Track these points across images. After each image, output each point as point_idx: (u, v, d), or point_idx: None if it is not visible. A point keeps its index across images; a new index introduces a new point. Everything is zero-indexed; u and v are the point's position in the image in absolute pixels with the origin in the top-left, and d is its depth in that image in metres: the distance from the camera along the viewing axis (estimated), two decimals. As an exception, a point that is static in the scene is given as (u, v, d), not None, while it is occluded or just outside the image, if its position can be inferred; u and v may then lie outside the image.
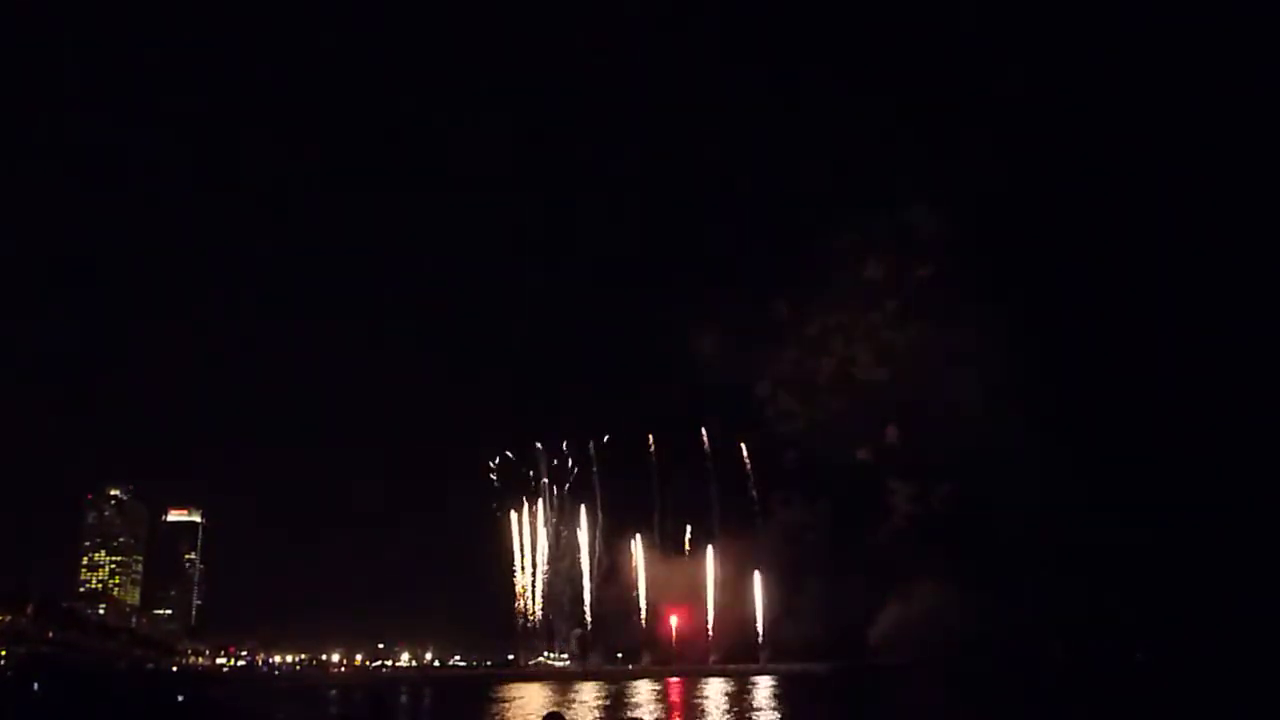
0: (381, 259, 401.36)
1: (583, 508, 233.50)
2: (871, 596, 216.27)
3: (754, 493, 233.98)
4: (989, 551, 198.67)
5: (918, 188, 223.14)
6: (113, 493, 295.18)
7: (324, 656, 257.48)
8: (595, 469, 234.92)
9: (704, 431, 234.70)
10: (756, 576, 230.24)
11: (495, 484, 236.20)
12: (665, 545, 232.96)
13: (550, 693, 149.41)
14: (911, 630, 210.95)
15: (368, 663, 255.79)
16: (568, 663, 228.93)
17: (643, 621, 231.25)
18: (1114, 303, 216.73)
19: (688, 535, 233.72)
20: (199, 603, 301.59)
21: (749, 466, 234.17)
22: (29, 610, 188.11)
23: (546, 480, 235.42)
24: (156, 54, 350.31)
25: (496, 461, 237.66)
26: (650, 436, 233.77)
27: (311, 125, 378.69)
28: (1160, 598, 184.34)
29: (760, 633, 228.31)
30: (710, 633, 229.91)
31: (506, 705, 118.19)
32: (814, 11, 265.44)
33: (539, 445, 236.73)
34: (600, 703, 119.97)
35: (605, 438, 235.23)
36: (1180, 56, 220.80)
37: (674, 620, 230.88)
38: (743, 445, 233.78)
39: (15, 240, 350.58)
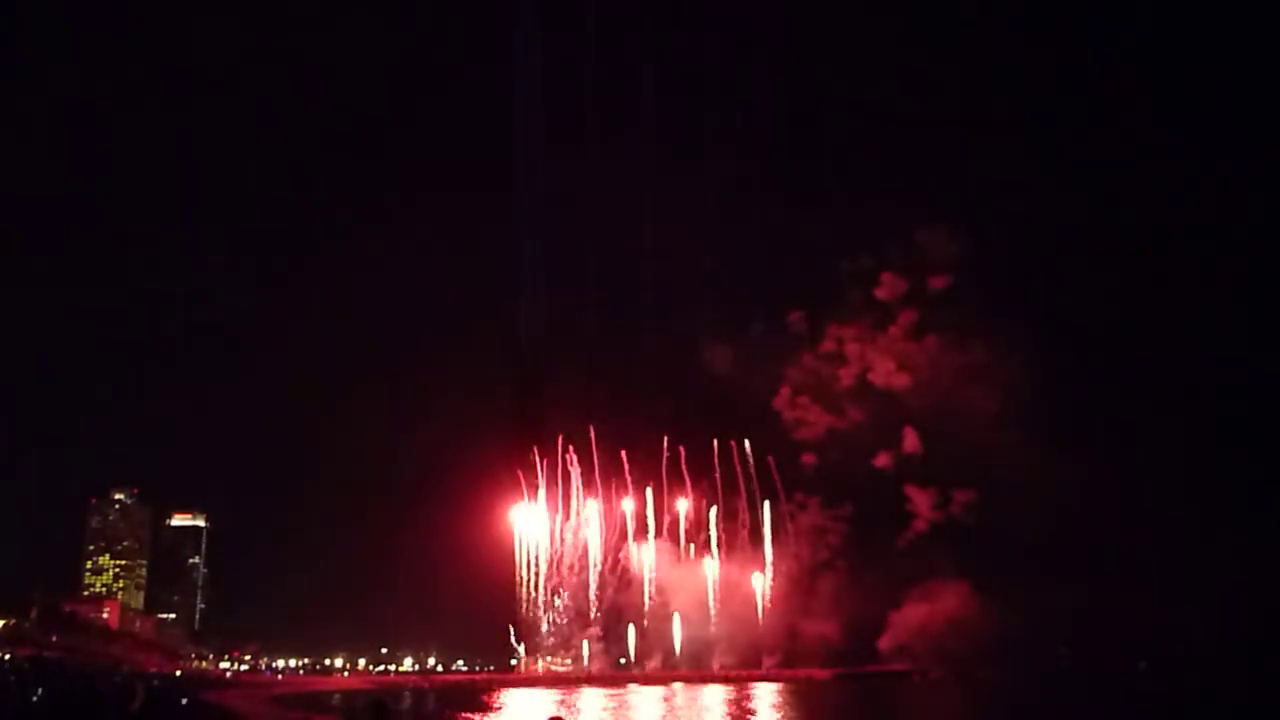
0: (387, 261, 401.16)
1: (592, 512, 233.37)
2: (886, 602, 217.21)
3: (769, 498, 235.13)
4: (1001, 560, 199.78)
5: (931, 209, 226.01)
6: (117, 496, 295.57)
7: (327, 661, 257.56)
8: (596, 472, 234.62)
9: (734, 444, 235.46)
10: (760, 581, 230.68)
11: (504, 487, 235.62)
12: (677, 550, 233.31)
13: (553, 697, 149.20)
14: (924, 638, 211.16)
15: (370, 667, 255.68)
16: (571, 667, 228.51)
17: (645, 625, 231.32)
18: (1125, 314, 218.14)
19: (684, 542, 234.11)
20: (202, 607, 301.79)
21: (773, 473, 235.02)
22: (32, 613, 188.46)
23: (554, 484, 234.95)
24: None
25: (505, 464, 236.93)
26: (665, 439, 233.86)
27: (312, 121, 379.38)
28: (1162, 607, 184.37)
29: (760, 638, 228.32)
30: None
31: (509, 710, 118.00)
32: (829, 37, 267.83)
33: (569, 448, 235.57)
34: (603, 708, 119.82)
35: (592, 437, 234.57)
36: (1190, 67, 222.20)
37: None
38: (771, 459, 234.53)
39: (17, 242, 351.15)
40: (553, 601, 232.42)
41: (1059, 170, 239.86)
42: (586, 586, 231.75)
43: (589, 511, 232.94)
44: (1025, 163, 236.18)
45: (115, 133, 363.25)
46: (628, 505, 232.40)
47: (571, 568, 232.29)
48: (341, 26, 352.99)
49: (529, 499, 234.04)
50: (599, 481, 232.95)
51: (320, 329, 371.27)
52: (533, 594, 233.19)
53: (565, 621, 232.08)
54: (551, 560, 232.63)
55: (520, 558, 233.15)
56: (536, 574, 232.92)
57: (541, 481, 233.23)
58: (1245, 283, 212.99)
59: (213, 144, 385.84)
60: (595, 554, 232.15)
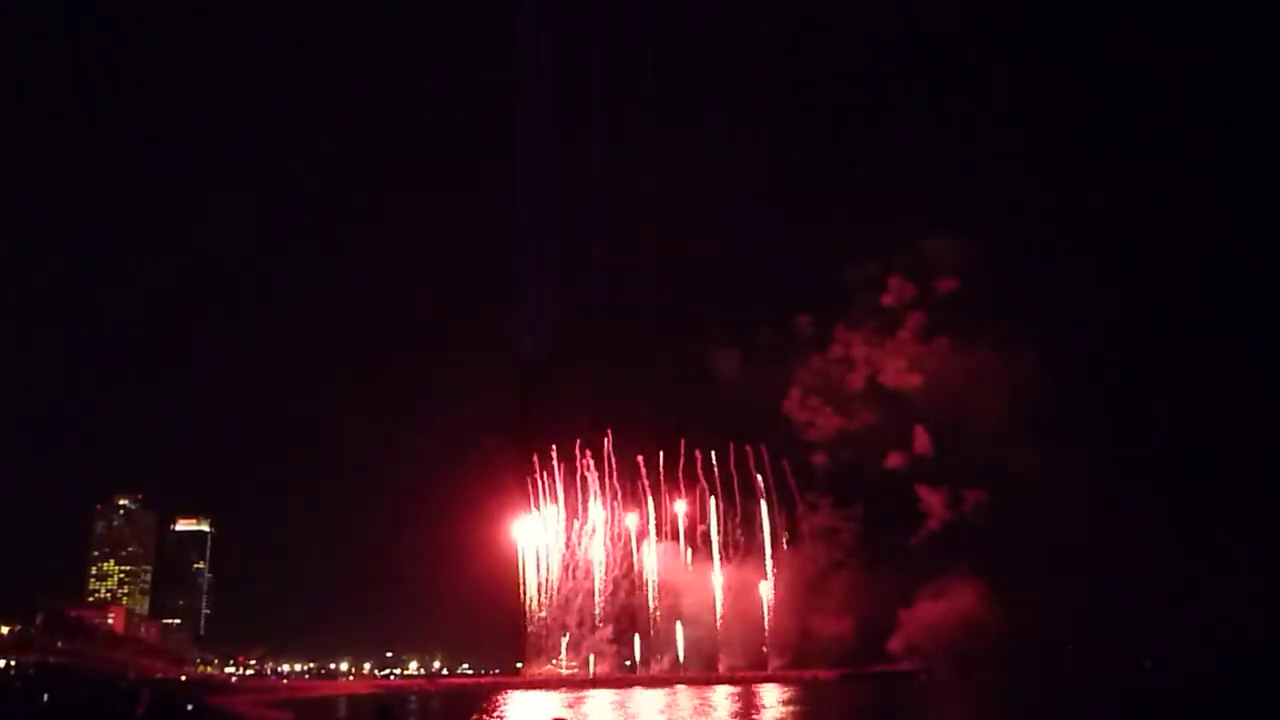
0: (390, 266, 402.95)
1: (595, 515, 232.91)
2: (898, 602, 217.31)
3: (780, 499, 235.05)
4: (1013, 560, 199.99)
5: (937, 213, 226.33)
6: (122, 502, 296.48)
7: (332, 665, 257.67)
8: (608, 475, 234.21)
9: (749, 447, 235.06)
10: (763, 582, 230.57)
11: (510, 490, 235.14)
12: (687, 552, 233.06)
13: (559, 699, 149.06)
14: (936, 637, 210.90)
15: (376, 671, 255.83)
16: (576, 671, 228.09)
17: (653, 627, 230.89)
18: (1131, 315, 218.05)
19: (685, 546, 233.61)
20: (207, 611, 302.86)
21: (786, 475, 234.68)
22: (37, 619, 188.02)
23: (569, 487, 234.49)
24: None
25: (511, 467, 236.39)
26: (683, 443, 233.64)
27: (311, 121, 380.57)
28: (1167, 606, 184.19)
29: (768, 640, 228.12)
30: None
31: (514, 713, 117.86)
32: (835, 42, 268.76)
33: (586, 451, 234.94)
34: (608, 710, 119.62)
35: (607, 439, 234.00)
36: (1193, 69, 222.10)
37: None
38: (785, 461, 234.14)
39: (20, 246, 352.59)
40: (560, 604, 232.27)
41: (1064, 173, 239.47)
42: (595, 589, 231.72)
43: (599, 514, 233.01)
44: (1030, 165, 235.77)
45: (115, 134, 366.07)
46: (639, 507, 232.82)
47: (582, 570, 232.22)
48: (340, 21, 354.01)
49: (536, 502, 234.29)
50: (611, 484, 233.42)
51: (325, 333, 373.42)
52: (539, 596, 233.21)
53: (573, 624, 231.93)
54: (562, 564, 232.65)
55: (526, 560, 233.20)
56: (545, 577, 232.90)
57: (550, 484, 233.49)
58: (1250, 285, 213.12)
59: (214, 145, 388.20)
60: (605, 557, 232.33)
